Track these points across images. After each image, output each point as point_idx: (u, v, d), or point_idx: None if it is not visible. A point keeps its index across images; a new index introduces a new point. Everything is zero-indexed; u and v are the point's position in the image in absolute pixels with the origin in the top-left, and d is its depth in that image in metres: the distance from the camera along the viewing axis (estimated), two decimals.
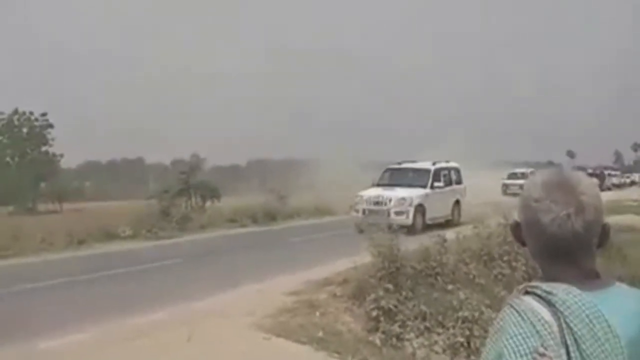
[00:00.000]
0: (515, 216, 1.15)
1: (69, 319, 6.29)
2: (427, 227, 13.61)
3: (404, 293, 6.91)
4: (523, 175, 35.23)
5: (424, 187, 14.79)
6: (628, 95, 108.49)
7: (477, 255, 8.62)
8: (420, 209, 14.13)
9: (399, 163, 16.53)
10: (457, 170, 16.95)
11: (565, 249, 1.06)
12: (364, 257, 7.49)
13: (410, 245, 7.83)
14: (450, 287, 7.27)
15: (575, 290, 0.99)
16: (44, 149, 36.90)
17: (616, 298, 1.03)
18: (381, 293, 6.66)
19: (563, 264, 1.06)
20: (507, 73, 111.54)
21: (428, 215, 14.37)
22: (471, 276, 7.92)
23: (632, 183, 45.82)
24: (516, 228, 1.14)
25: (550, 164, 49.39)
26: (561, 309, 0.96)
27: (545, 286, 1.01)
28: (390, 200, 13.96)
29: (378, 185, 15.15)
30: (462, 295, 7.08)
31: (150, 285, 8.15)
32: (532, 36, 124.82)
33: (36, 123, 36.33)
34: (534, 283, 1.04)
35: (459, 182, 16.80)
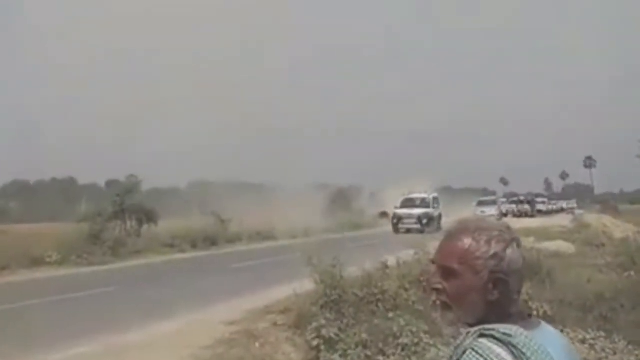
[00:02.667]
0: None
1: None
2: None
3: (345, 321, 6.83)
4: (423, 202, 25.50)
5: None
6: (558, 128, 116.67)
7: (416, 281, 8.72)
8: None
9: None
10: None
11: (521, 287, 1.13)
12: (305, 285, 7.38)
13: None
14: (391, 314, 7.28)
15: (526, 331, 1.03)
16: None
17: (548, 335, 1.09)
18: (322, 321, 6.55)
19: (514, 305, 1.11)
20: (448, 106, 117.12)
21: None
22: (411, 302, 7.97)
23: (561, 209, 48.28)
24: (494, 277, 1.10)
25: (485, 190, 51.66)
26: (523, 350, 0.99)
27: (503, 329, 1.03)
28: None
29: None
30: (402, 321, 7.10)
31: (76, 316, 7.61)
32: (471, 72, 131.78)
33: None
34: (489, 326, 1.05)
35: None
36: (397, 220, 24.33)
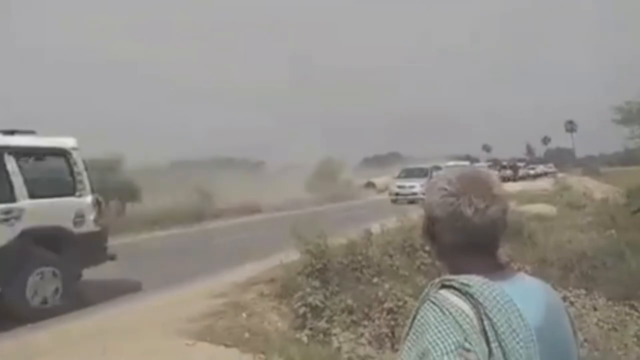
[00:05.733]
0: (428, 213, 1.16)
1: None
2: None
3: (330, 288, 6.91)
4: None
5: None
6: (539, 92, 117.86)
7: (400, 247, 8.82)
8: None
9: None
10: None
11: (484, 239, 1.09)
12: (291, 255, 7.41)
13: None
14: (375, 279, 7.37)
15: (488, 281, 1.00)
16: None
17: (521, 287, 1.06)
18: (308, 290, 6.62)
19: (479, 255, 1.09)
20: (432, 77, 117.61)
21: None
22: (395, 268, 8.08)
23: (545, 174, 48.86)
24: (430, 224, 1.15)
25: (468, 157, 52.05)
26: (480, 299, 0.97)
27: (462, 279, 1.01)
28: None
29: None
30: (386, 286, 7.20)
31: None
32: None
33: None
34: (449, 277, 1.04)
35: None
36: None
